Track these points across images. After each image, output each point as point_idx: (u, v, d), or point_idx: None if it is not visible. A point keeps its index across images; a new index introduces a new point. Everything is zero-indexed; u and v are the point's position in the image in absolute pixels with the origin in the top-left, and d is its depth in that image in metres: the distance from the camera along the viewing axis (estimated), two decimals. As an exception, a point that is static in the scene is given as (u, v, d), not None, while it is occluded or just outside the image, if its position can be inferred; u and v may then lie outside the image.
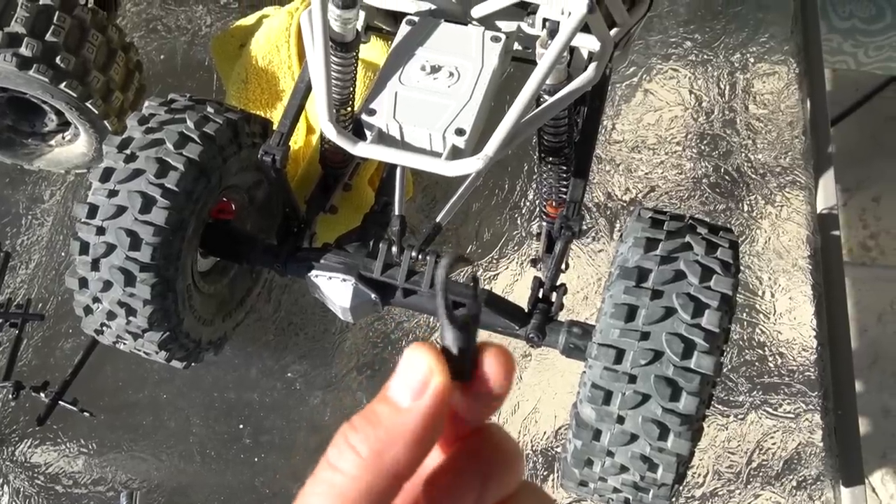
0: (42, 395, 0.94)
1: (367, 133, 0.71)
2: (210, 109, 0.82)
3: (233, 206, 0.91)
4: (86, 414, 0.94)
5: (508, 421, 0.95)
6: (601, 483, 0.71)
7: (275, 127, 0.82)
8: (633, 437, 0.67)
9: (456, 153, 0.69)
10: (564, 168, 0.81)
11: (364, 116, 0.71)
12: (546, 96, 0.72)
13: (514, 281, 1.03)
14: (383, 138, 0.71)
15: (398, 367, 0.32)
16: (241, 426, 0.95)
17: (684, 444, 0.66)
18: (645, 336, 0.66)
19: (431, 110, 0.70)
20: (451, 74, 0.72)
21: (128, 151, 0.78)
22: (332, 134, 0.69)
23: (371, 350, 0.99)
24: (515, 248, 1.05)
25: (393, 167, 0.85)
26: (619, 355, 0.66)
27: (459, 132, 0.69)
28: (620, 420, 0.67)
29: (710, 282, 0.68)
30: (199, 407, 0.96)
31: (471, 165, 0.67)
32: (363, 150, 0.69)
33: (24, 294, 1.02)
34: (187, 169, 0.76)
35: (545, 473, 0.93)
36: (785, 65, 1.20)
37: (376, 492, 0.29)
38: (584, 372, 0.71)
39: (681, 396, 0.65)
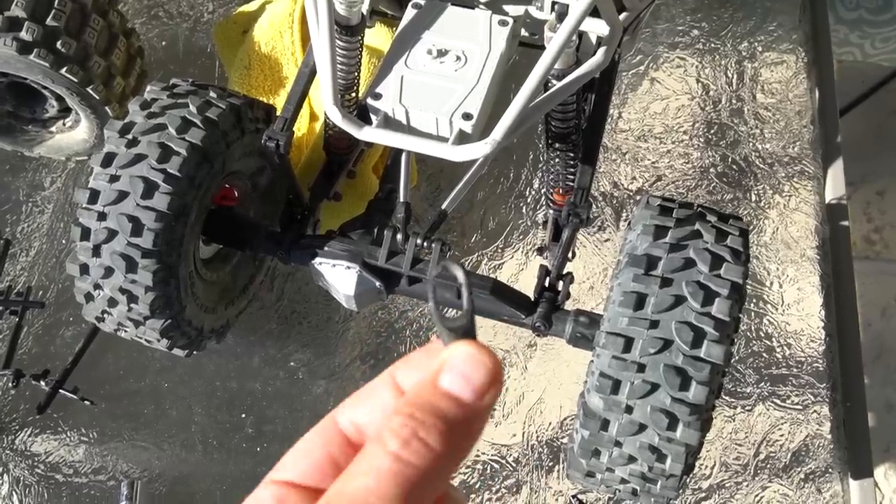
0: (42, 383, 0.93)
1: (373, 117, 0.70)
2: (213, 94, 0.81)
3: (235, 193, 0.90)
4: (86, 402, 0.93)
5: (513, 411, 0.94)
6: (608, 474, 0.70)
7: (278, 113, 0.81)
8: (642, 427, 0.66)
9: (463, 138, 0.68)
10: (572, 155, 0.80)
11: (370, 101, 0.70)
12: (554, 81, 0.71)
13: (519, 270, 1.02)
14: (389, 123, 0.70)
15: (450, 360, 0.31)
16: (244, 415, 0.94)
17: (693, 434, 0.65)
18: (654, 325, 0.65)
19: (438, 94, 0.69)
20: (458, 58, 0.71)
21: (130, 136, 0.77)
22: (336, 117, 0.68)
23: (374, 339, 0.98)
24: (520, 237, 1.04)
25: (398, 153, 0.84)
26: (628, 344, 0.66)
27: (466, 117, 0.68)
28: (629, 410, 0.66)
29: (719, 270, 0.67)
30: (200, 396, 0.95)
31: (478, 150, 0.66)
32: (368, 134, 0.68)
33: (24, 282, 1.01)
34: (190, 154, 0.75)
35: (550, 464, 0.92)
36: (793, 54, 1.18)
37: (443, 482, 0.30)
38: (592, 361, 0.70)
39: (690, 386, 0.64)
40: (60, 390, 0.93)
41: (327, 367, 0.96)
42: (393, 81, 0.70)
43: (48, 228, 1.04)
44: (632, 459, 0.67)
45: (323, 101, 0.68)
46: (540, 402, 0.95)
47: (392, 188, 0.88)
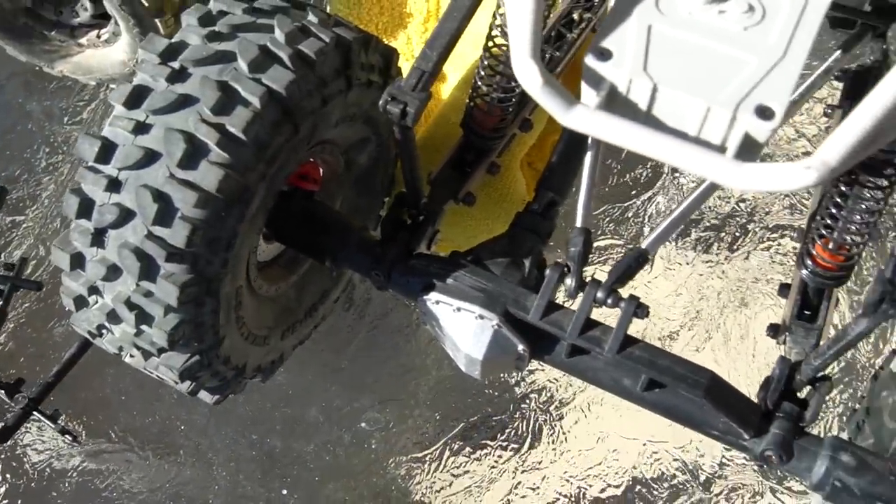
0: (12, 400, 0.66)
1: (592, 91, 0.41)
2: (313, 18, 0.53)
3: (321, 172, 0.62)
4: (67, 439, 0.66)
5: None
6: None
7: (406, 60, 0.53)
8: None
9: (751, 148, 0.39)
10: (881, 194, 0.50)
11: (592, 61, 0.40)
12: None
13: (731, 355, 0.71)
14: (618, 103, 0.41)
15: None
16: (285, 490, 0.66)
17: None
18: None
19: (714, 67, 0.41)
20: (751, 8, 0.42)
21: (176, 64, 0.49)
22: (532, 81, 0.40)
23: (481, 407, 0.69)
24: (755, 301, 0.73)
25: (574, 143, 0.56)
26: None
27: (764, 113, 0.39)
28: None
29: None
30: (227, 452, 0.67)
31: (792, 178, 0.37)
32: (582, 119, 0.40)
33: (17, 247, 0.74)
34: (266, 107, 0.48)
35: None
36: None
37: None
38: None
39: None
40: (34, 412, 0.66)
41: (412, 439, 0.67)
42: (634, 34, 0.41)
43: (64, 179, 0.77)
44: None
45: (512, 53, 0.40)
46: None
47: (554, 199, 0.60)
